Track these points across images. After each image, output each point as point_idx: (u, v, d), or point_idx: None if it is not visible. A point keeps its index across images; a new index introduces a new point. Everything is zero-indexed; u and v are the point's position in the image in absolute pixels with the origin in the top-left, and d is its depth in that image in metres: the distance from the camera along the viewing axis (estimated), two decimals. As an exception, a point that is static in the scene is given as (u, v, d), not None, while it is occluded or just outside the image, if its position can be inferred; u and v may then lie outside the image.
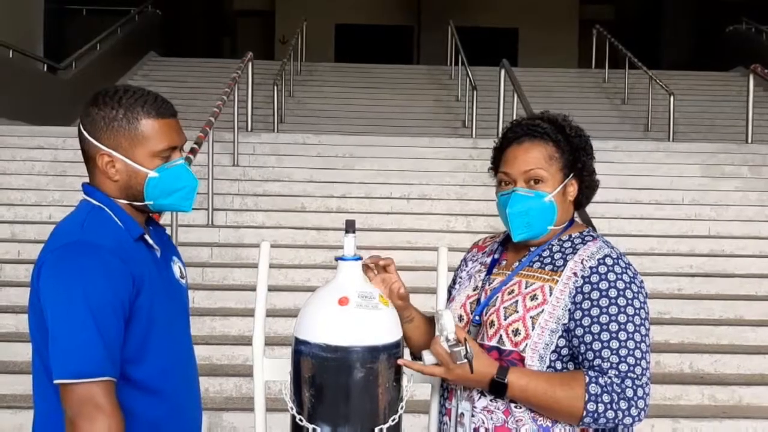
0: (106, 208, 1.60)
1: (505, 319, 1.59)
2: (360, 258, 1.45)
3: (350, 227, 1.44)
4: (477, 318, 1.65)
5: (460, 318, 1.68)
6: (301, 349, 1.38)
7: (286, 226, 6.05)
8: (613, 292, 1.56)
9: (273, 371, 1.52)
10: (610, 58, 12.05)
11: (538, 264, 1.64)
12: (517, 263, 1.68)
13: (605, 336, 1.54)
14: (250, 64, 7.61)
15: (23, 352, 4.43)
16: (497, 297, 1.64)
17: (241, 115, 7.30)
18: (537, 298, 1.59)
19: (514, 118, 6.97)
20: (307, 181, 6.71)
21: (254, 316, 1.51)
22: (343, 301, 1.34)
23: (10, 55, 8.85)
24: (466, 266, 1.79)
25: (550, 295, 1.58)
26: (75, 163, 6.41)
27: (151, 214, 1.69)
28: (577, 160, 1.65)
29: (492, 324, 1.61)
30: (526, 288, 1.61)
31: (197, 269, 5.35)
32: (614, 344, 1.53)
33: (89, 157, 1.63)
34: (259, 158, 7.07)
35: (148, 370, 1.56)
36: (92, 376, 1.45)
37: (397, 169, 6.94)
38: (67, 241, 1.54)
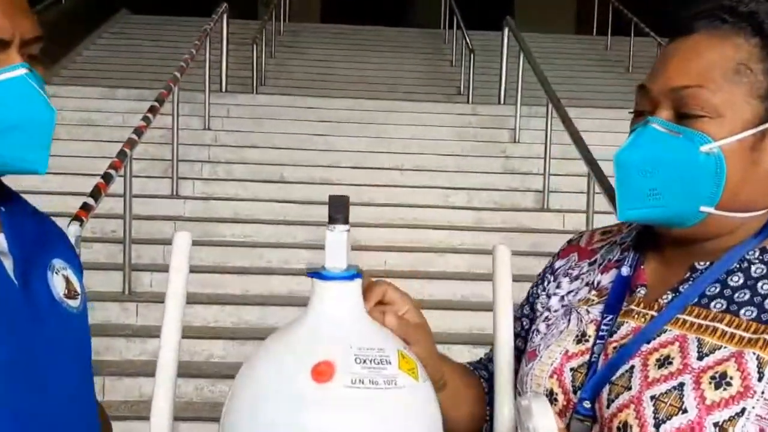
0: None
1: (656, 426, 0.76)
2: (358, 274, 0.71)
3: (338, 211, 0.69)
4: (586, 406, 0.82)
5: (551, 396, 0.86)
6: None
7: (263, 198, 5.33)
8: None
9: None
10: (614, 24, 11.38)
11: (720, 301, 0.81)
12: (670, 295, 0.84)
13: None
14: (224, 17, 6.82)
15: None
16: (634, 368, 0.81)
17: (214, 76, 6.55)
18: (728, 383, 0.76)
19: (520, 83, 6.41)
20: (289, 149, 5.97)
21: (157, 368, 0.77)
22: (321, 372, 0.61)
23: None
24: (558, 285, 0.96)
25: (760, 379, 0.75)
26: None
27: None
28: None
29: (627, 430, 0.79)
30: (700, 356, 0.78)
31: (157, 247, 4.63)
32: None
33: None
34: (235, 122, 6.32)
35: None
36: None
37: (388, 136, 6.22)
38: None
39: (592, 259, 0.96)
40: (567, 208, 5.29)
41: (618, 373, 0.81)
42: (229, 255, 4.71)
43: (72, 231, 3.24)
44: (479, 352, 4.22)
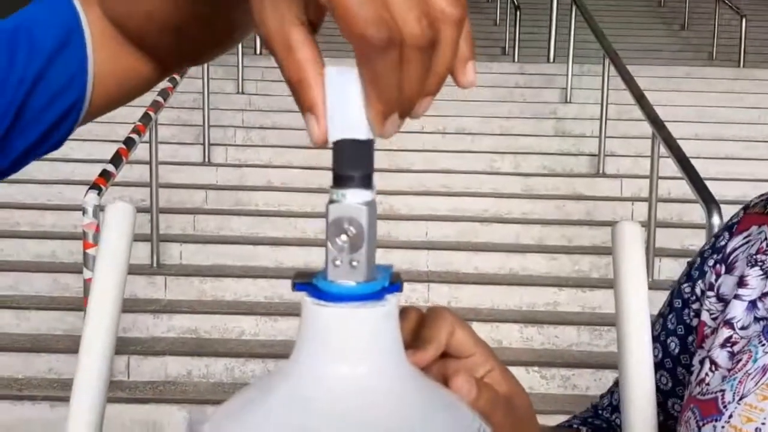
0: None
1: None
2: (395, 286, 0.33)
3: (354, 165, 0.32)
4: None
5: None
6: None
7: (297, 165, 5.06)
8: None
9: None
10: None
11: None
12: None
13: None
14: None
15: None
16: None
17: (248, 38, 6.25)
18: None
19: (572, 38, 6.00)
20: (325, 112, 5.68)
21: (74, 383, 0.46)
22: None
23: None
24: (742, 281, 0.58)
25: None
26: None
27: None
28: None
29: None
30: None
31: (188, 217, 4.41)
32: None
33: None
34: (269, 85, 6.03)
35: None
36: None
37: (430, 98, 5.88)
38: None
39: None
40: (625, 173, 4.92)
41: None
42: (261, 225, 4.47)
43: (89, 200, 3.01)
44: (531, 332, 3.85)
